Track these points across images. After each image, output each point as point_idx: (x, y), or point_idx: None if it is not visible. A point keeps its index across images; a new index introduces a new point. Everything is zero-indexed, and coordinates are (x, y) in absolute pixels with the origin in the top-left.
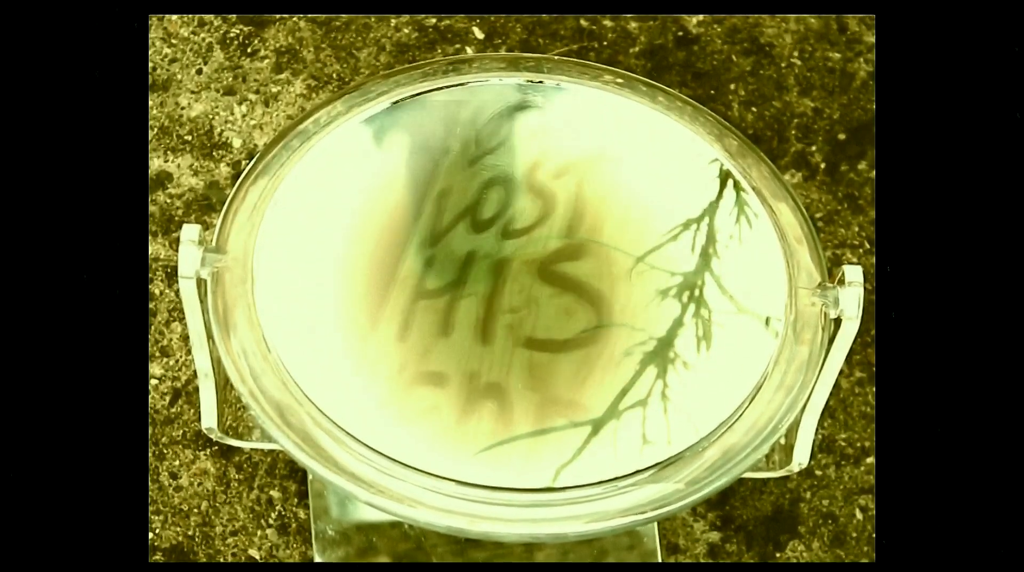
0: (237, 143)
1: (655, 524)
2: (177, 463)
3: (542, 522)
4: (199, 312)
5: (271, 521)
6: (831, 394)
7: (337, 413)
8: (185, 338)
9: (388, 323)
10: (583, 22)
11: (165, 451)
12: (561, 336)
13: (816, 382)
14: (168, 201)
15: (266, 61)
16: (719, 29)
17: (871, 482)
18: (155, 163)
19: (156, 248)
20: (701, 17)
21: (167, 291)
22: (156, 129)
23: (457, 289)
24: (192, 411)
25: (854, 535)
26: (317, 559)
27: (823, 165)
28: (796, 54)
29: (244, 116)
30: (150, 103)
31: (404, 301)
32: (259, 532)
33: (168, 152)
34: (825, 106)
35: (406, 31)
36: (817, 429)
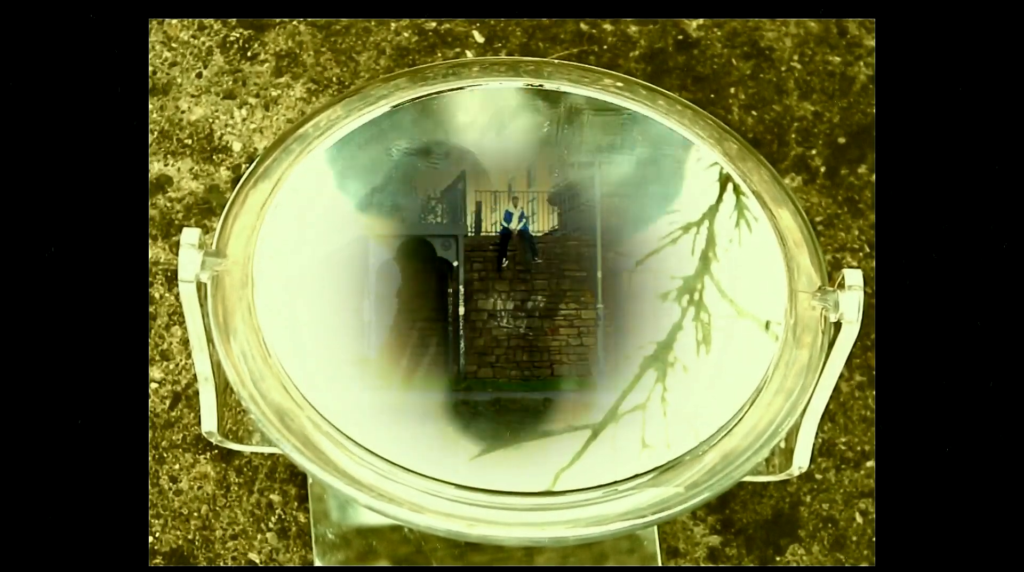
0: (237, 147)
1: (655, 528)
2: (177, 467)
3: (542, 526)
4: (199, 316)
5: (271, 525)
6: (831, 398)
7: (337, 417)
8: (185, 342)
9: (387, 326)
10: (583, 26)
11: (165, 455)
12: (560, 339)
13: (816, 386)
14: (168, 205)
15: (266, 65)
16: (719, 33)
17: (871, 486)
18: (155, 167)
19: (156, 252)
20: (701, 21)
21: (167, 295)
22: (156, 133)
23: (456, 291)
24: (192, 415)
25: (854, 539)
26: (317, 563)
27: (823, 169)
28: (796, 58)
29: (244, 120)
30: (150, 107)
31: (404, 304)
32: (259, 536)
33: (168, 156)
34: (825, 110)
35: (406, 35)
36: (817, 433)
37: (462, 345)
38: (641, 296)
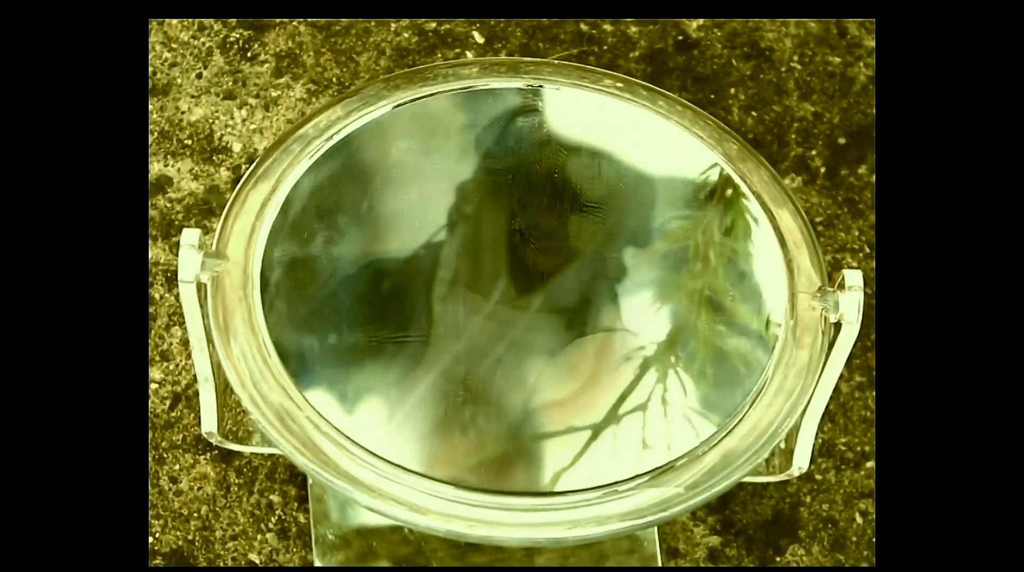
0: (237, 147)
1: (655, 528)
2: (177, 467)
3: (542, 526)
4: (199, 316)
5: (271, 525)
6: (831, 398)
7: (337, 417)
8: (185, 342)
9: (388, 327)
10: (583, 26)
11: (165, 455)
12: (561, 341)
13: (816, 386)
14: (168, 205)
15: (266, 65)
16: (719, 33)
17: (871, 486)
18: (155, 167)
19: (156, 252)
20: (701, 21)
21: (167, 295)
22: (156, 133)
23: (457, 294)
24: (192, 415)
25: (854, 539)
26: (317, 563)
27: (823, 169)
28: (796, 58)
29: (244, 120)
30: (150, 107)
31: (404, 305)
32: (259, 536)
33: (168, 156)
34: (825, 110)
35: (406, 35)
36: (817, 433)
37: (462, 345)
38: (641, 297)
